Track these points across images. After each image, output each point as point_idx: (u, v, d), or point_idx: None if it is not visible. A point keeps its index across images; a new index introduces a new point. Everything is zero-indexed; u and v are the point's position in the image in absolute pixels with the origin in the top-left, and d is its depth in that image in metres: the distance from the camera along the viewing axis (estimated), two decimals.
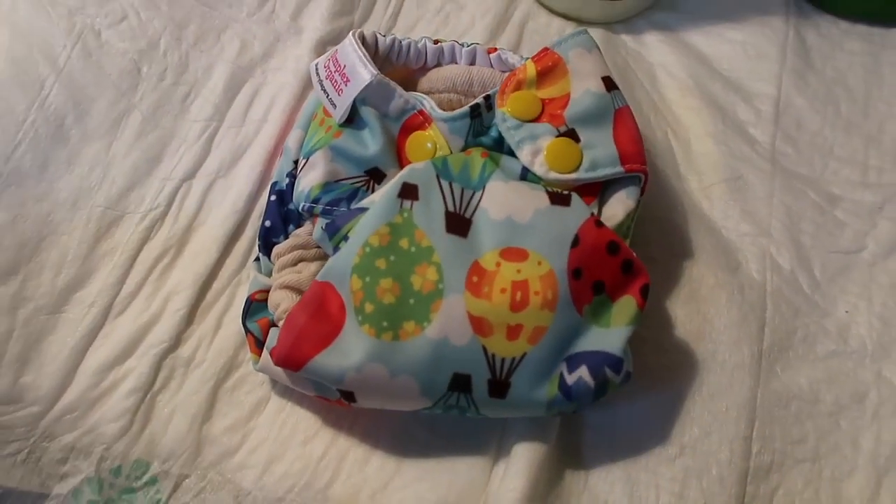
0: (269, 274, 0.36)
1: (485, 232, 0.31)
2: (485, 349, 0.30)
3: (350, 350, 0.30)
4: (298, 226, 0.36)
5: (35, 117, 0.38)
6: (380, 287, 0.31)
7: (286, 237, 0.36)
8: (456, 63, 0.38)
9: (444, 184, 0.32)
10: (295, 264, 0.35)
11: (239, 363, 0.36)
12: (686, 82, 0.45)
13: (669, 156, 0.42)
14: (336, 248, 0.32)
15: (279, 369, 0.33)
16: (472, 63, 0.38)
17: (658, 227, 0.39)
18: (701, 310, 0.36)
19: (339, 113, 0.35)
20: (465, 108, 0.34)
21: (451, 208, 0.32)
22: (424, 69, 0.38)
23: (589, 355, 0.30)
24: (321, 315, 0.31)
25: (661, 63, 0.46)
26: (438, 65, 0.38)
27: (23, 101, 0.38)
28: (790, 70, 0.45)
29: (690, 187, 0.41)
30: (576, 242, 0.31)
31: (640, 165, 0.33)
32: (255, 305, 0.35)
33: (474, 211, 0.32)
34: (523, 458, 0.32)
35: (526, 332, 0.30)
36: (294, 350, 0.31)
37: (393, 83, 0.35)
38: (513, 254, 0.31)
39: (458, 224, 0.32)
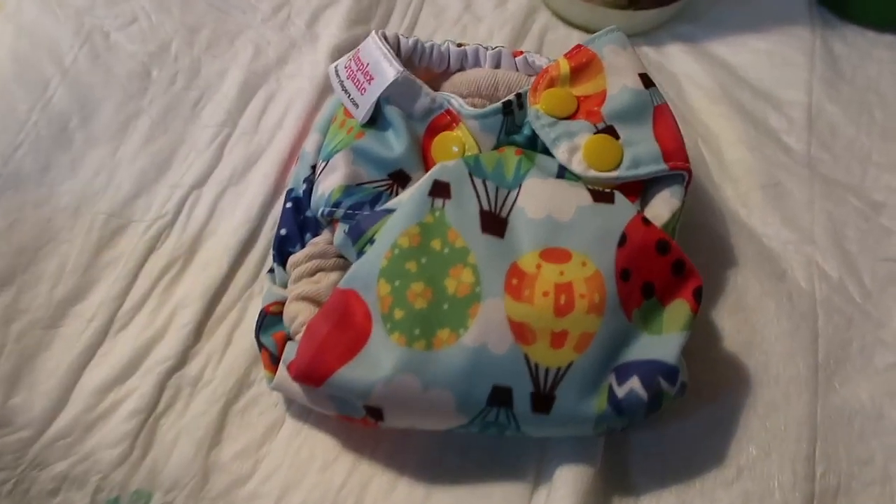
0: (285, 285, 0.33)
1: (523, 232, 0.29)
2: (527, 358, 0.27)
3: (378, 361, 0.28)
4: (316, 234, 0.33)
5: (38, 118, 0.36)
6: (411, 291, 0.28)
7: (303, 246, 0.33)
8: (480, 66, 0.37)
9: (478, 181, 0.30)
10: (312, 274, 0.33)
11: (251, 382, 0.33)
12: (713, 90, 0.43)
13: (702, 164, 0.41)
14: (360, 254, 0.30)
15: (297, 386, 0.30)
16: (497, 66, 0.36)
17: (696, 234, 0.37)
18: (749, 320, 0.34)
19: (363, 112, 0.33)
20: (498, 104, 0.32)
21: (485, 207, 0.30)
22: (447, 73, 0.37)
23: (640, 365, 0.28)
24: (345, 324, 0.28)
25: (685, 73, 0.45)
26: (462, 68, 0.37)
27: (26, 100, 0.36)
28: (819, 78, 0.44)
29: (726, 195, 0.39)
30: (623, 241, 0.29)
31: (683, 163, 0.32)
32: (270, 318, 0.32)
33: (510, 210, 0.30)
34: (568, 484, 0.29)
35: (572, 339, 0.27)
36: (315, 362, 0.28)
37: (419, 81, 0.33)
38: (554, 255, 0.29)
39: (494, 224, 0.29)
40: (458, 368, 0.27)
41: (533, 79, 0.36)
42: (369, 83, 0.33)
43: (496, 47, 0.37)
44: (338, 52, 0.42)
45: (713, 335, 0.34)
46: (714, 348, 0.33)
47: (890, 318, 0.35)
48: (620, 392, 0.28)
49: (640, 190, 0.32)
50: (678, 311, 0.29)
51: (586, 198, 0.30)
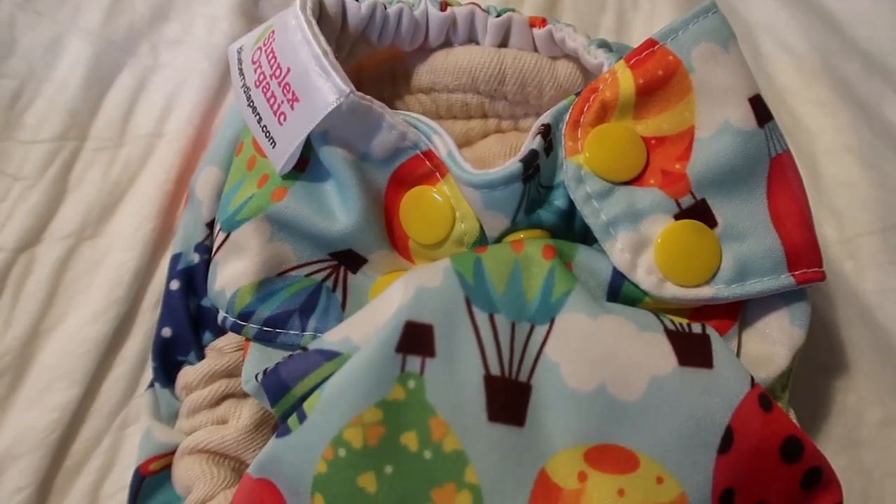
0: (173, 417, 0.25)
1: (557, 412, 0.19)
2: None
3: None
4: (220, 333, 0.25)
5: None
6: None
7: (200, 354, 0.25)
8: (476, 43, 0.27)
9: (481, 319, 0.19)
10: (216, 404, 0.24)
11: None
12: (807, 59, 0.33)
13: None
14: (283, 421, 0.20)
15: None
16: (504, 44, 0.27)
17: None
18: (864, 463, 0.26)
19: (282, 157, 0.22)
20: (514, 164, 0.21)
21: (494, 370, 0.19)
22: (424, 51, 0.27)
23: None
24: None
25: (767, 24, 0.34)
26: (447, 44, 0.27)
27: None
28: None
29: (826, 236, 0.29)
30: (727, 442, 0.19)
31: (817, 271, 0.21)
32: (150, 481, 0.24)
33: (533, 367, 0.19)
34: None
35: None
36: None
37: (377, 105, 0.22)
38: (610, 458, 0.19)
39: (509, 400, 0.19)
40: None
41: (559, 65, 0.26)
42: (292, 107, 0.23)
43: (503, 11, 0.26)
44: (251, 0, 0.29)
45: None
46: None
47: None
48: None
49: (740, 308, 0.21)
50: None
51: (666, 356, 0.19)
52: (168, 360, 0.25)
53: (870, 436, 0.26)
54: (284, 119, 0.22)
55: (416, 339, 0.19)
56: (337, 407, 0.19)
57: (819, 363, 0.27)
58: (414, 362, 0.19)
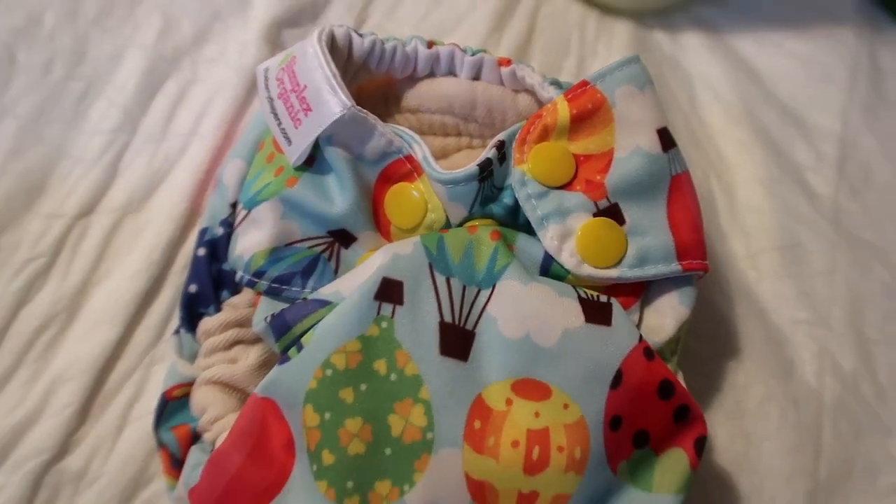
0: (194, 356, 0.28)
1: (493, 353, 0.23)
2: None
3: None
4: (235, 292, 0.28)
5: None
6: (344, 429, 0.23)
7: (218, 308, 0.28)
8: (455, 75, 0.31)
9: (440, 280, 0.24)
10: (229, 348, 0.27)
11: (149, 477, 0.28)
12: (734, 106, 0.38)
13: (710, 205, 0.35)
14: (285, 354, 0.24)
15: None
16: (477, 77, 0.30)
17: (696, 309, 0.31)
18: (746, 429, 0.30)
19: (296, 153, 0.26)
20: (473, 167, 0.25)
21: (447, 318, 0.24)
22: (413, 79, 0.31)
23: None
24: (261, 455, 0.23)
25: (703, 75, 0.39)
26: (431, 75, 0.31)
27: None
28: (859, 100, 0.38)
29: (735, 251, 0.34)
30: (617, 381, 0.23)
31: (700, 261, 0.26)
32: (173, 405, 0.27)
33: (478, 319, 0.24)
34: None
35: (543, 502, 0.22)
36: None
37: (371, 118, 0.26)
38: (530, 389, 0.23)
39: (457, 341, 0.23)
40: None
41: (520, 97, 0.30)
42: (306, 115, 0.26)
43: (477, 51, 0.30)
44: (275, 29, 0.34)
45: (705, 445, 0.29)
46: (704, 462, 0.28)
47: None
48: None
49: (642, 289, 0.26)
50: (674, 464, 0.24)
51: (576, 315, 0.24)
52: (192, 312, 0.28)
53: (752, 408, 0.30)
54: (299, 124, 0.26)
55: (389, 291, 0.23)
56: (327, 339, 0.23)
57: (717, 348, 0.31)
58: (387, 308, 0.23)
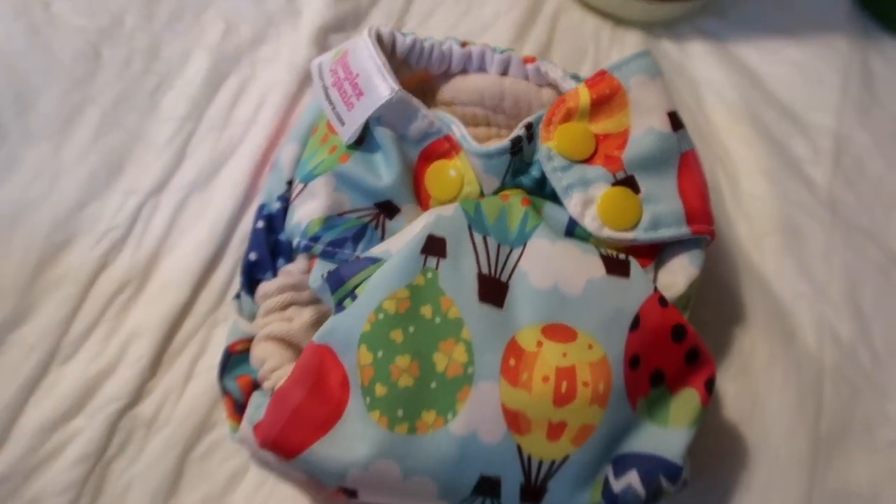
0: (252, 316, 0.30)
1: (525, 302, 0.26)
2: (520, 449, 0.25)
3: (355, 440, 0.25)
4: (290, 260, 0.30)
5: None
6: (395, 365, 0.25)
7: (274, 273, 0.30)
8: (485, 71, 0.33)
9: (478, 238, 0.27)
10: (284, 308, 0.30)
11: (212, 424, 0.30)
12: (737, 105, 0.40)
13: (716, 194, 0.38)
14: (339, 306, 0.27)
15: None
16: (505, 73, 0.33)
17: (704, 282, 0.34)
18: (753, 387, 0.32)
19: (349, 133, 0.29)
20: (506, 142, 0.28)
21: (484, 270, 0.26)
22: (447, 75, 0.33)
23: (641, 459, 0.26)
24: (319, 392, 0.26)
25: (708, 80, 0.41)
26: (464, 72, 0.33)
27: None
28: (852, 100, 0.41)
29: (740, 234, 0.37)
30: (635, 324, 0.26)
31: (707, 226, 0.28)
32: (235, 359, 0.29)
33: (512, 273, 0.27)
34: None
35: (570, 432, 0.25)
36: (286, 434, 0.25)
37: (416, 101, 0.29)
38: (558, 332, 0.26)
39: (493, 291, 0.26)
40: (444, 457, 0.25)
41: (543, 91, 0.33)
42: (358, 99, 0.29)
43: (505, 50, 0.33)
44: (322, 34, 0.37)
45: (714, 401, 0.32)
46: (714, 416, 0.31)
47: None
48: (617, 486, 0.26)
49: (657, 252, 0.29)
50: (687, 402, 0.26)
51: (598, 268, 0.26)
52: (251, 278, 0.30)
53: (758, 370, 0.32)
54: (352, 107, 0.29)
55: (434, 246, 0.26)
56: (379, 288, 0.25)
57: (724, 317, 0.34)
58: (432, 261, 0.26)
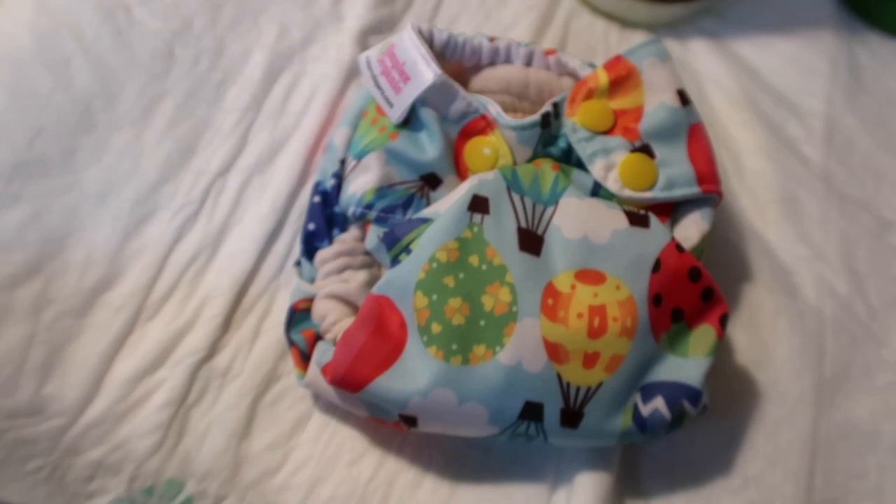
0: (311, 280, 0.34)
1: (559, 251, 0.30)
2: (559, 377, 0.28)
3: (416, 373, 0.28)
4: (343, 230, 0.34)
5: (60, 99, 0.35)
6: (448, 306, 0.29)
7: (330, 242, 0.34)
8: (511, 63, 0.36)
9: (516, 197, 0.30)
10: (341, 272, 0.33)
11: (279, 375, 0.33)
12: (736, 94, 0.44)
13: (722, 171, 0.40)
14: (395, 261, 0.30)
15: (328, 387, 0.30)
16: (529, 64, 0.36)
17: (714, 247, 0.38)
18: (761, 336, 0.35)
19: (397, 113, 0.33)
20: (536, 116, 0.32)
21: (523, 224, 0.30)
22: (478, 67, 0.36)
23: (666, 386, 0.29)
24: (381, 333, 0.29)
25: (709, 72, 0.45)
26: (492, 64, 0.36)
27: (47, 80, 0.35)
28: (841, 88, 0.44)
29: (744, 205, 0.40)
30: (656, 267, 0.29)
31: (716, 186, 0.32)
32: (299, 315, 0.33)
33: (546, 228, 0.30)
34: (588, 490, 0.30)
35: (603, 361, 0.28)
36: (353, 370, 0.29)
37: (456, 84, 0.33)
38: (589, 276, 0.29)
39: (531, 242, 0.30)
40: (494, 385, 0.28)
41: (563, 79, 0.36)
42: (405, 83, 0.33)
43: (528, 44, 0.36)
44: (363, 35, 0.41)
45: (727, 349, 0.35)
46: (727, 362, 0.35)
47: (891, 338, 0.36)
48: (645, 411, 0.29)
49: (672, 210, 0.32)
50: (705, 336, 0.30)
51: (622, 221, 0.30)
52: (310, 245, 0.33)
53: (765, 320, 0.35)
54: (399, 91, 0.32)
55: (478, 204, 0.29)
56: (432, 241, 0.29)
57: (734, 274, 0.37)
58: (477, 217, 0.29)
